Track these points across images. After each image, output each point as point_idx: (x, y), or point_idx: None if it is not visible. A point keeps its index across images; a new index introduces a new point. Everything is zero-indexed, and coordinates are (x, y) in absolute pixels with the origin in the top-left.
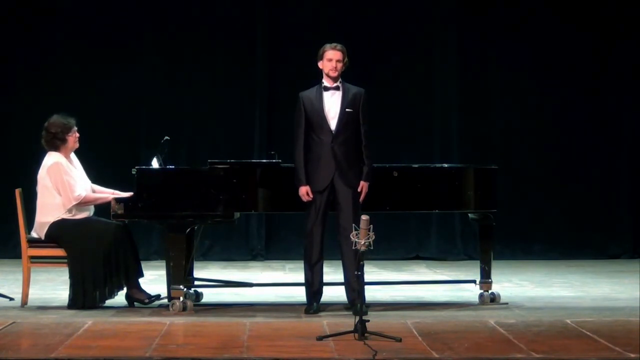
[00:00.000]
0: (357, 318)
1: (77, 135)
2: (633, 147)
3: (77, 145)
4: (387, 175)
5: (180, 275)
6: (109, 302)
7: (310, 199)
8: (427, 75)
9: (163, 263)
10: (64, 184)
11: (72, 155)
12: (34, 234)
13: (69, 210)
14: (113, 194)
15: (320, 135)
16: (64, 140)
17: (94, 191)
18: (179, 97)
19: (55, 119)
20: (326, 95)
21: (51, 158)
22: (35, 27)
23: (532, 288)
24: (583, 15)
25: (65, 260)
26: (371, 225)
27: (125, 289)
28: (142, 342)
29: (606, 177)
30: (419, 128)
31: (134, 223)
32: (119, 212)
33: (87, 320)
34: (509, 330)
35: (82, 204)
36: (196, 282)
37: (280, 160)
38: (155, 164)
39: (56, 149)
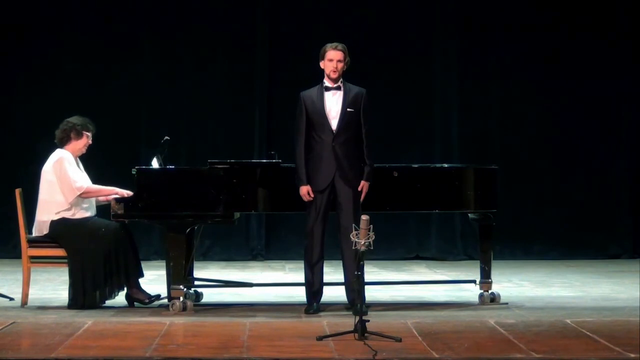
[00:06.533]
0: (357, 318)
1: (90, 142)
2: (633, 147)
3: (84, 150)
4: (387, 175)
5: (180, 275)
6: (109, 302)
7: (311, 199)
8: (427, 76)
9: (163, 263)
10: (66, 176)
11: (78, 160)
12: (34, 233)
13: (70, 207)
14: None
15: (321, 135)
16: (78, 135)
17: None
18: (179, 97)
19: (78, 116)
20: (327, 95)
21: (58, 153)
22: (36, 27)
23: (532, 288)
24: (582, 15)
25: (65, 260)
26: (371, 225)
27: (125, 289)
28: (142, 342)
29: (606, 177)
30: (419, 128)
31: (134, 223)
32: (119, 212)
33: (87, 320)
34: (509, 330)
35: (84, 194)
36: (196, 282)
37: (280, 160)
38: (155, 164)
39: (67, 142)
